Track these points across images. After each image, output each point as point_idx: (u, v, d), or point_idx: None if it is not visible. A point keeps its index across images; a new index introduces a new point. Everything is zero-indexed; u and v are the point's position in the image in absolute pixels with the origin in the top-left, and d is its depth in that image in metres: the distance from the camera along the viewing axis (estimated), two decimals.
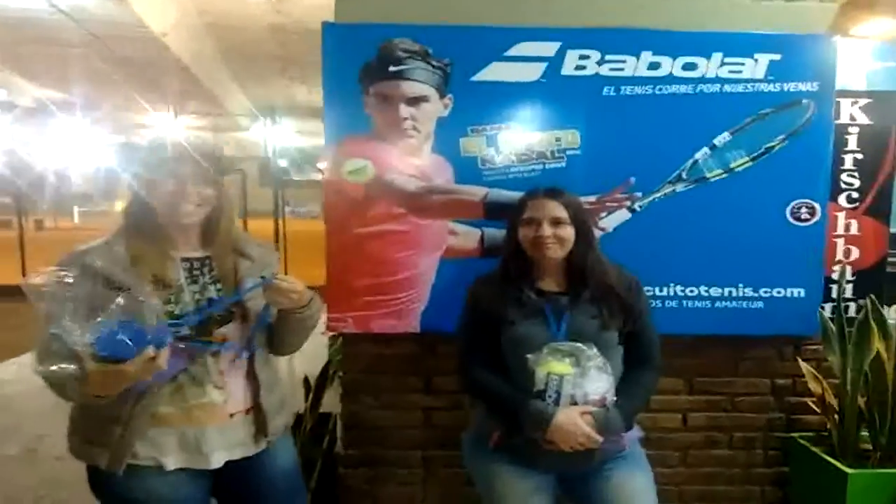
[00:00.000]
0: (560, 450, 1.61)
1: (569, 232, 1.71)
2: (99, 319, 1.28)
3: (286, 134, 14.57)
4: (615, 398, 1.65)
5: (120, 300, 1.31)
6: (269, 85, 13.57)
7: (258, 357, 1.62)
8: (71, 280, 1.33)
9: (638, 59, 2.28)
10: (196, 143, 1.55)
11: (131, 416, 1.46)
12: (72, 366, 1.29)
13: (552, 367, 1.62)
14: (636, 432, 1.81)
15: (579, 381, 1.62)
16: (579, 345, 1.63)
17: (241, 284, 1.58)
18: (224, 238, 1.61)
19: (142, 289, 1.40)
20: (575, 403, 1.62)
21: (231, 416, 1.57)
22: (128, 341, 1.28)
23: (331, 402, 2.78)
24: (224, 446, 1.57)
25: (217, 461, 1.56)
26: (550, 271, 1.78)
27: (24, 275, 9.26)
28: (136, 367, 1.30)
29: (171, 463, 1.51)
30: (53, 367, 1.31)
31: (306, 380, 2.82)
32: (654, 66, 2.29)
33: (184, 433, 1.52)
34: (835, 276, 2.50)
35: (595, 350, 1.64)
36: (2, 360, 5.72)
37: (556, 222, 1.70)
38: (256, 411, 1.61)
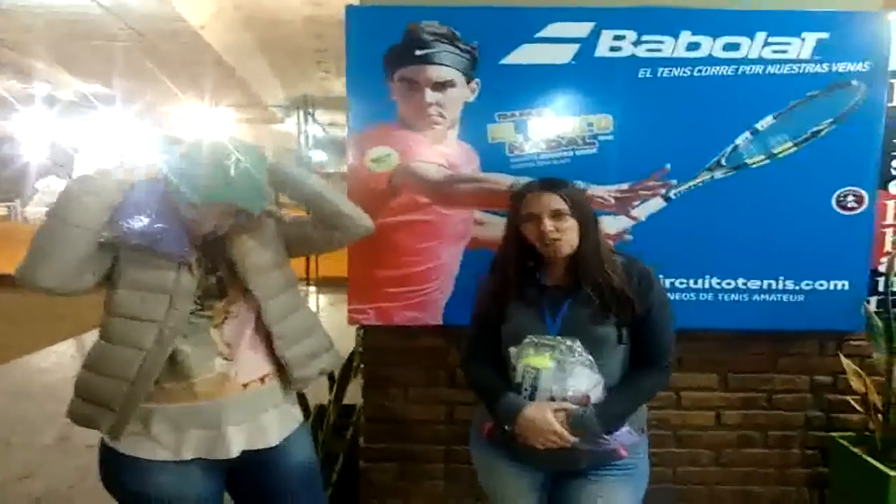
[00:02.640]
0: (534, 446, 1.54)
1: (571, 224, 1.59)
2: None
3: (321, 126, 14.66)
4: (602, 397, 1.56)
5: None
6: (305, 77, 13.65)
7: (269, 310, 1.57)
8: None
9: (676, 39, 2.19)
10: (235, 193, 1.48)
11: (138, 376, 1.45)
12: None
13: (530, 360, 1.56)
14: (633, 437, 1.64)
15: (560, 377, 1.54)
16: (565, 340, 1.55)
17: None
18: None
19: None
20: (553, 399, 1.54)
21: (244, 386, 1.54)
22: None
23: (355, 394, 2.74)
24: (241, 420, 1.53)
25: (237, 447, 1.52)
26: (554, 264, 1.68)
27: None
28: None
29: (187, 452, 1.49)
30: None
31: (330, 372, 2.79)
32: (693, 46, 2.19)
33: (199, 409, 1.50)
34: (882, 268, 2.37)
35: (580, 346, 1.54)
36: (40, 349, 5.84)
37: (557, 215, 1.59)
38: (278, 368, 1.60)
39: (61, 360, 5.58)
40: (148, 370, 1.45)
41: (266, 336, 1.58)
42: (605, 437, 1.55)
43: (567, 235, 1.59)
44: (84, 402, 1.50)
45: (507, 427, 1.58)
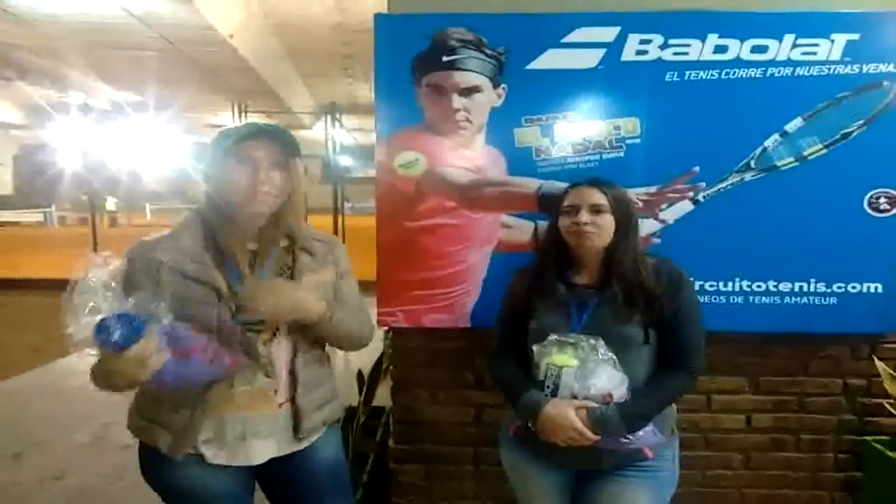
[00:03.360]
0: (557, 444, 1.56)
1: (608, 220, 1.63)
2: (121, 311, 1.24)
3: (348, 132, 14.82)
4: (625, 396, 1.56)
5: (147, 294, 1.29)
6: (332, 84, 13.80)
7: (301, 355, 1.58)
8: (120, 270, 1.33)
9: (703, 42, 2.18)
10: (264, 125, 1.50)
11: (203, 399, 1.45)
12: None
13: (553, 357, 1.57)
14: (658, 438, 1.63)
15: (582, 375, 1.54)
16: (588, 339, 1.56)
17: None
18: (283, 230, 1.56)
19: (210, 278, 1.42)
20: (574, 397, 1.55)
21: (280, 405, 1.56)
22: (115, 333, 1.21)
23: (385, 395, 2.77)
24: (270, 434, 1.55)
25: (261, 456, 1.54)
26: (588, 263, 1.70)
27: None
28: (123, 363, 1.23)
29: (215, 457, 1.51)
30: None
31: (360, 374, 2.82)
32: (720, 49, 2.18)
33: (230, 421, 1.50)
34: None
35: (603, 344, 1.55)
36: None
37: (596, 210, 1.63)
38: (294, 408, 1.58)
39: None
40: (210, 397, 1.47)
41: (291, 369, 1.58)
42: (629, 436, 1.56)
43: (601, 230, 1.63)
44: (144, 420, 1.53)
45: (529, 424, 1.61)
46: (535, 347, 1.62)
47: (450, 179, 2.25)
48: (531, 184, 2.23)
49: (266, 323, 1.51)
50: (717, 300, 2.27)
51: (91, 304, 1.22)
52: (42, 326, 6.85)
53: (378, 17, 2.23)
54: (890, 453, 2.31)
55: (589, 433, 1.52)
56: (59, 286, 1.26)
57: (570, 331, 1.61)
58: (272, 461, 1.57)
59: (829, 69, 2.17)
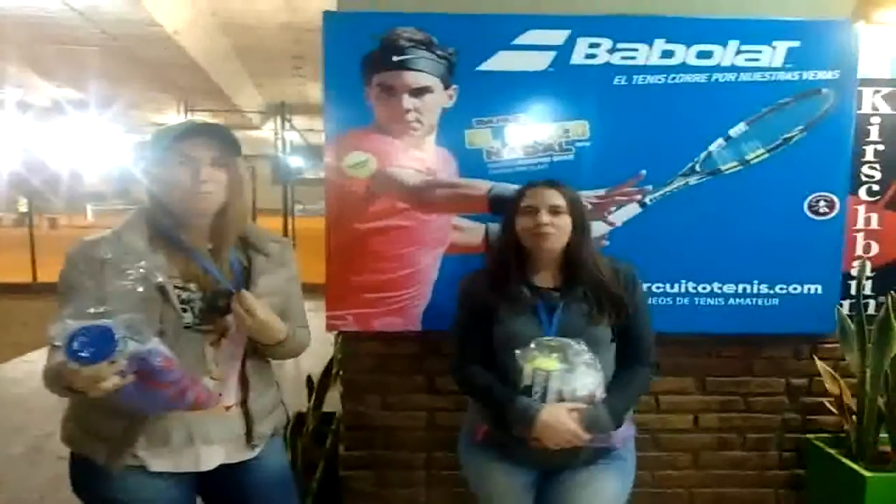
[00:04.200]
0: (545, 447, 1.57)
1: (566, 221, 1.67)
2: (85, 318, 1.17)
3: (299, 132, 14.62)
4: (604, 395, 1.60)
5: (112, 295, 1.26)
6: (282, 83, 13.61)
7: (250, 359, 1.55)
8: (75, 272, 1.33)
9: (651, 46, 2.21)
10: (204, 123, 1.47)
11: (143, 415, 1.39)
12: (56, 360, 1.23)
13: (539, 362, 1.57)
14: (627, 430, 1.75)
15: (567, 378, 1.56)
16: (568, 340, 1.59)
17: (235, 277, 1.50)
18: (233, 229, 1.51)
19: (155, 276, 1.35)
20: (562, 400, 1.57)
21: (227, 408, 1.51)
22: (84, 347, 1.13)
23: (335, 401, 2.73)
24: (220, 440, 1.49)
25: (210, 462, 1.49)
26: (546, 266, 1.72)
27: (34, 274, 9.31)
28: (81, 379, 1.16)
29: (157, 465, 1.44)
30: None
31: (309, 378, 2.76)
32: (667, 54, 2.21)
33: (176, 426, 1.44)
34: (854, 272, 2.42)
35: (584, 346, 1.59)
36: (11, 358, 5.73)
37: (555, 211, 1.66)
38: (245, 412, 1.54)
39: (33, 369, 5.47)
40: None
41: (242, 372, 1.54)
42: (611, 431, 1.61)
43: (561, 231, 1.66)
44: (80, 431, 1.46)
45: (518, 431, 1.59)
46: (517, 352, 1.60)
47: (400, 180, 2.22)
48: (482, 185, 2.22)
49: (216, 324, 1.46)
50: (665, 302, 2.30)
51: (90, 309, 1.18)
52: None
53: (327, 15, 2.19)
54: (831, 450, 2.37)
55: (583, 434, 1.54)
56: None
57: (543, 334, 1.63)
58: (220, 469, 1.51)
59: (772, 76, 2.22)
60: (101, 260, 1.36)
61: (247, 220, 1.57)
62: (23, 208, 20.97)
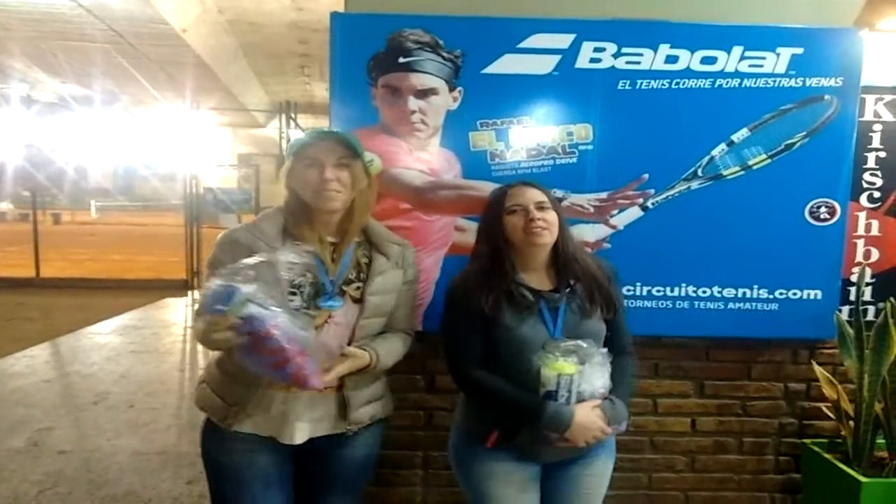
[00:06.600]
0: (573, 446, 1.63)
1: (553, 216, 1.70)
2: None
3: (303, 131, 14.66)
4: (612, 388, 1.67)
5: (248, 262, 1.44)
6: (289, 82, 13.65)
7: (356, 343, 1.66)
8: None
9: (655, 52, 2.22)
10: (328, 130, 1.68)
11: (257, 384, 1.59)
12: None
13: (560, 367, 1.59)
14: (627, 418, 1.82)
15: (588, 377, 1.61)
16: (579, 342, 1.61)
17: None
18: (355, 226, 1.69)
19: (276, 261, 1.50)
20: (582, 399, 1.61)
21: (323, 391, 1.61)
22: (216, 299, 1.36)
23: None
24: (309, 419, 1.63)
25: (299, 436, 1.62)
26: (537, 265, 1.74)
27: (37, 269, 9.33)
28: (204, 325, 1.42)
29: (258, 430, 1.62)
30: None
31: None
32: (671, 59, 2.23)
33: (277, 399, 1.60)
34: (853, 278, 2.43)
35: (593, 345, 1.62)
36: (13, 353, 5.76)
37: (541, 207, 1.70)
38: (340, 397, 1.67)
39: (34, 363, 5.50)
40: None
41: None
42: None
43: (551, 226, 1.69)
44: (209, 392, 1.68)
45: (547, 434, 1.62)
46: (534, 357, 1.63)
47: (404, 181, 2.24)
48: (486, 187, 2.23)
49: (320, 311, 1.62)
50: (665, 305, 2.31)
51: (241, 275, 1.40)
52: None
53: (334, 15, 2.21)
54: (827, 455, 2.38)
55: (609, 429, 1.63)
56: None
57: (551, 336, 1.66)
58: (316, 442, 1.65)
59: (775, 82, 2.23)
60: (238, 242, 1.60)
61: (368, 218, 1.75)
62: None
